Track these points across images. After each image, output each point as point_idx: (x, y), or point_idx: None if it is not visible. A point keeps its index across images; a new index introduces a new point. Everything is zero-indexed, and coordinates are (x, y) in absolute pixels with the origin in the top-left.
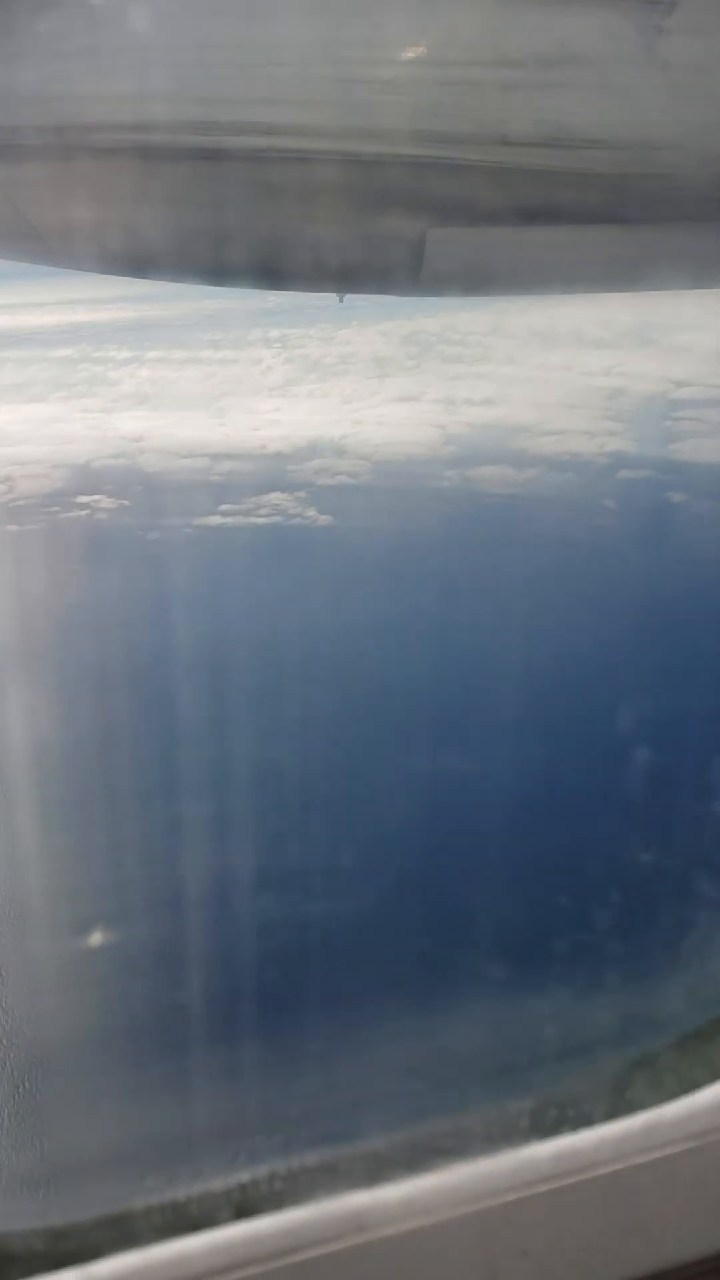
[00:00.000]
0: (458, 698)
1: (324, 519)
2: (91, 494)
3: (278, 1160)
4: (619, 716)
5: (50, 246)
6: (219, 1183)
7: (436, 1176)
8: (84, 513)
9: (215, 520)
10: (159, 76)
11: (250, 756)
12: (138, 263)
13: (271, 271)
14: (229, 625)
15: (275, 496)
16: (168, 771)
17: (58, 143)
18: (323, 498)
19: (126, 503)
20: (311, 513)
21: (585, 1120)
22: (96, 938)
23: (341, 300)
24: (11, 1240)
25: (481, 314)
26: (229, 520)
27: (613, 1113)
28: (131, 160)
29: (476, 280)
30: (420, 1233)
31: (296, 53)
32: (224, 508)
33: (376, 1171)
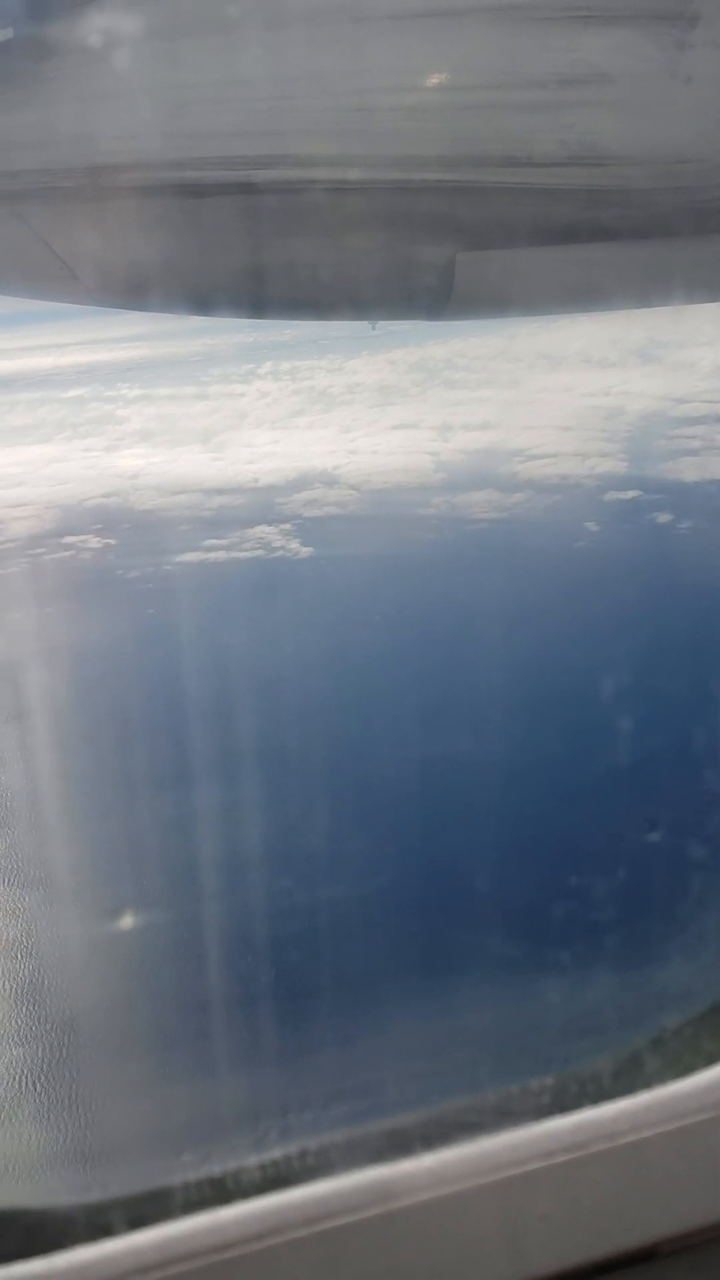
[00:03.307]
0: (440, 718)
1: (306, 551)
2: (80, 534)
3: (307, 1136)
4: (609, 726)
5: (86, 286)
6: (252, 1158)
7: (459, 1149)
8: (69, 553)
9: (198, 556)
10: (187, 115)
11: (243, 773)
12: (169, 298)
13: (304, 302)
14: (202, 660)
15: (261, 530)
16: (160, 799)
17: (95, 184)
18: (307, 530)
19: (113, 542)
20: (295, 545)
21: (603, 1095)
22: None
23: (374, 327)
24: (58, 1214)
25: (490, 338)
26: (212, 556)
27: (630, 1087)
28: (165, 197)
29: (507, 302)
30: (443, 1201)
31: (321, 85)
32: (208, 543)
33: (402, 1145)
